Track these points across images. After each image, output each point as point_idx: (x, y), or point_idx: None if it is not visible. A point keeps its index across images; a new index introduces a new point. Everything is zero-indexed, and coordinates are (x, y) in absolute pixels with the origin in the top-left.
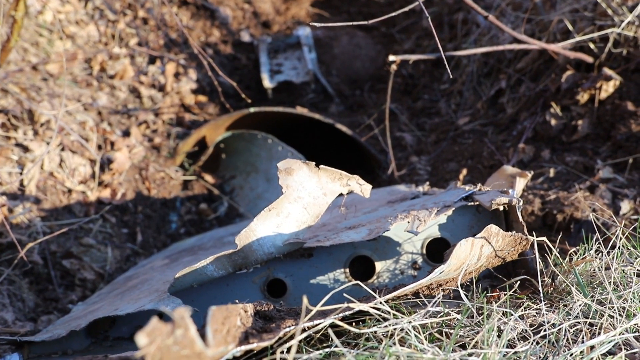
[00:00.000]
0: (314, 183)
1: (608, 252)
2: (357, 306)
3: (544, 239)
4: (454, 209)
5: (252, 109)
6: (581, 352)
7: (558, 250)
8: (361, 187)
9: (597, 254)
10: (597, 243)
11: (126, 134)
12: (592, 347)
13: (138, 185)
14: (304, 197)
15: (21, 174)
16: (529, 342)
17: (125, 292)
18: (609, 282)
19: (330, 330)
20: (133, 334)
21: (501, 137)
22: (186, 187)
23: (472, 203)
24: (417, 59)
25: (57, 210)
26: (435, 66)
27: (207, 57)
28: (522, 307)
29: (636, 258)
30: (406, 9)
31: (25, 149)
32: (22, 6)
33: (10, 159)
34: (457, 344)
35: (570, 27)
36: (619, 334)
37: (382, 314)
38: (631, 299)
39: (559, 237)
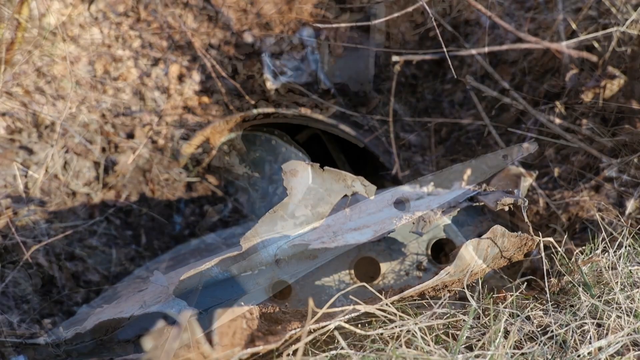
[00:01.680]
0: (318, 184)
1: (614, 252)
2: (363, 308)
3: (550, 239)
4: (459, 209)
5: (255, 110)
6: (589, 352)
7: (564, 250)
8: (365, 188)
9: (604, 254)
10: (603, 243)
11: (130, 136)
12: (599, 348)
13: (142, 187)
14: (308, 198)
15: (25, 176)
16: (536, 343)
17: (130, 294)
18: (616, 282)
19: (336, 332)
20: (138, 336)
21: (505, 136)
22: (190, 189)
23: (477, 203)
24: (420, 59)
25: (62, 212)
26: (439, 66)
27: (211, 58)
28: (528, 308)
29: None
30: (409, 9)
31: (30, 152)
32: (25, 9)
33: (14, 162)
34: (463, 346)
35: (573, 26)
36: (627, 335)
37: (388, 316)
38: (639, 299)
39: (565, 237)
